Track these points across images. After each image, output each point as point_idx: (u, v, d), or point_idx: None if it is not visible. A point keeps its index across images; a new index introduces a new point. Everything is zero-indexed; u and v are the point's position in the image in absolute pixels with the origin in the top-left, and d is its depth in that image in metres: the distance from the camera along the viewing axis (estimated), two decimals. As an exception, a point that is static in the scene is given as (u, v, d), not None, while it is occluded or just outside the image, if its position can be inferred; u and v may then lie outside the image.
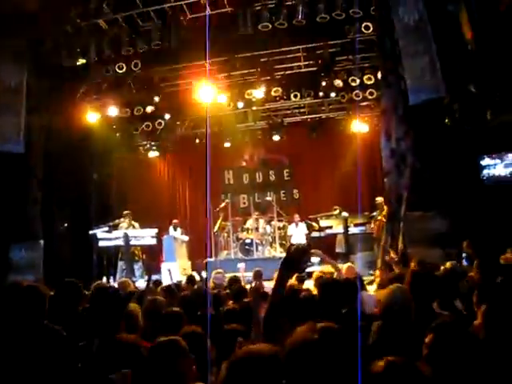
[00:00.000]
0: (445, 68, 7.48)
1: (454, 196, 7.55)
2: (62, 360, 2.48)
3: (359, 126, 13.87)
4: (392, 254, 6.88)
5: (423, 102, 7.68)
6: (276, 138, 14.62)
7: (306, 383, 1.59)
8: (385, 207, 10.12)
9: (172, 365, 2.27)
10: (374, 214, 10.99)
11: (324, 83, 12.20)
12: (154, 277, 9.78)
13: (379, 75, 10.83)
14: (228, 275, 7.42)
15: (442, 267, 5.67)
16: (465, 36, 7.51)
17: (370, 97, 12.15)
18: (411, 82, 7.83)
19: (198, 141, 15.14)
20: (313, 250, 5.74)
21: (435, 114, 7.77)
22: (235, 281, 6.04)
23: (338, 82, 11.91)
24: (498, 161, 8.44)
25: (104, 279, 9.96)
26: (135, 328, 3.12)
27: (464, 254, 7.08)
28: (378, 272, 6.70)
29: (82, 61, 10.89)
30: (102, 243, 10.58)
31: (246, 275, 8.20)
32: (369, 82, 11.65)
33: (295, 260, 2.49)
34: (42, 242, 10.13)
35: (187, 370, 2.30)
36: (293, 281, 4.91)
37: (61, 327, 2.96)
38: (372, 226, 10.82)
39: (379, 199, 10.56)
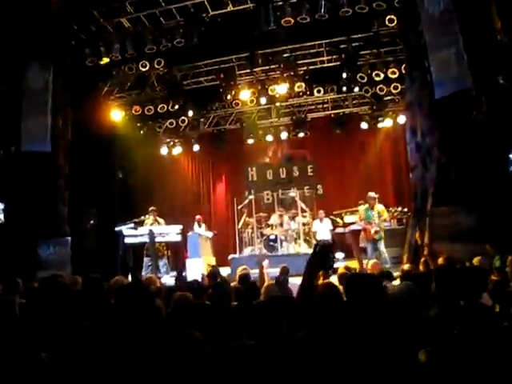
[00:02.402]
0: (472, 59, 7.30)
1: (481, 191, 7.38)
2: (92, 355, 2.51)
3: (384, 121, 13.71)
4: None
5: (449, 95, 7.53)
6: (300, 133, 14.52)
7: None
8: (376, 206, 9.66)
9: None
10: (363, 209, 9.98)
11: (347, 78, 12.06)
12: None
13: (404, 69, 10.68)
14: (252, 271, 7.43)
15: (468, 263, 5.58)
16: (494, 26, 7.31)
17: (394, 91, 11.99)
18: (437, 75, 7.68)
19: (221, 137, 15.17)
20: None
21: (462, 107, 7.59)
22: (247, 278, 5.98)
23: (362, 77, 11.76)
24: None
25: (129, 276, 10.07)
26: (159, 323, 3.15)
27: None
28: (405, 266, 6.58)
29: (105, 59, 11.02)
30: (127, 240, 10.67)
31: (269, 271, 8.17)
32: (393, 76, 11.49)
33: (321, 257, 2.48)
34: (69, 239, 10.31)
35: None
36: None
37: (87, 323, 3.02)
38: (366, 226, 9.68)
39: (372, 195, 9.75)
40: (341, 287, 5.15)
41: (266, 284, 5.18)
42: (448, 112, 7.72)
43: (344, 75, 11.96)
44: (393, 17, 9.69)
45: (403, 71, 10.81)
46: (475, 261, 5.59)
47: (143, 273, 10.68)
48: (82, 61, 10.94)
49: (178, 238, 10.69)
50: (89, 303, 3.70)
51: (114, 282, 4.30)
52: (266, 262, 8.60)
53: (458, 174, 7.74)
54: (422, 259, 6.29)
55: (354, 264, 8.32)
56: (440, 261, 5.95)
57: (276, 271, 7.56)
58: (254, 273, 7.49)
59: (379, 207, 9.66)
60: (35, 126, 10.02)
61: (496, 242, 6.60)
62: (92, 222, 11.72)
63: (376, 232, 9.37)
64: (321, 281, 4.98)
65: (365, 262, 8.63)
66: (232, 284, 6.09)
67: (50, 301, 2.94)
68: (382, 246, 9.42)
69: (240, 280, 5.98)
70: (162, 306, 3.22)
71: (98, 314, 3.40)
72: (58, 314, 2.94)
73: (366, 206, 9.84)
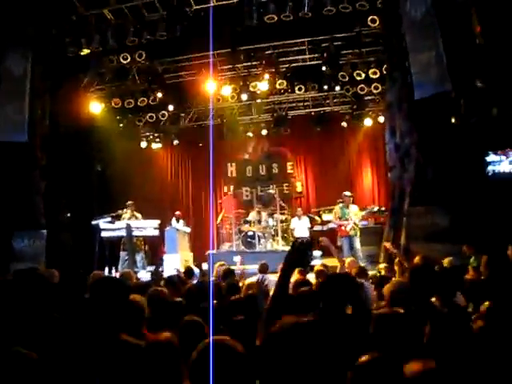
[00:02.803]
0: (451, 62, 7.43)
1: (458, 192, 7.52)
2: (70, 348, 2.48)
3: (364, 121, 13.84)
4: (388, 245, 6.76)
5: (429, 96, 7.64)
6: (279, 130, 14.55)
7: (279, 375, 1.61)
8: (350, 206, 9.74)
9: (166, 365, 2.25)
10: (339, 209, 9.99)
11: (329, 76, 12.12)
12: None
13: (384, 69, 10.79)
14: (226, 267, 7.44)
15: (443, 262, 5.69)
16: (473, 30, 7.44)
17: (374, 91, 12.10)
18: (417, 77, 7.80)
19: (201, 133, 15.12)
20: (321, 238, 5.74)
21: (440, 109, 7.73)
22: (230, 273, 6.00)
23: (343, 76, 11.84)
24: (503, 157, 8.41)
25: (106, 270, 9.97)
26: (141, 319, 3.13)
27: None
28: (381, 265, 6.67)
29: (86, 50, 10.85)
30: (104, 234, 10.56)
31: (241, 267, 8.18)
32: (374, 76, 11.60)
33: (299, 255, 2.49)
34: (44, 231, 10.15)
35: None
36: (295, 274, 4.89)
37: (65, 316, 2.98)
38: (339, 223, 9.74)
39: (348, 194, 9.83)
40: (315, 281, 5.22)
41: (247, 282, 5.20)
42: (427, 113, 7.85)
43: (325, 74, 12.03)
44: (375, 17, 9.77)
45: (384, 72, 10.93)
46: (446, 261, 5.68)
47: (119, 267, 10.59)
48: (63, 51, 10.75)
49: (156, 233, 10.63)
50: (65, 297, 3.65)
51: (93, 277, 4.25)
52: (238, 258, 8.61)
53: (436, 174, 7.88)
54: (397, 259, 6.37)
55: (331, 262, 8.38)
56: (416, 260, 6.03)
57: (254, 267, 7.59)
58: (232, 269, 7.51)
59: (353, 208, 9.73)
60: (12, 115, 9.83)
61: (472, 243, 6.73)
62: (68, 214, 11.56)
63: (352, 228, 9.48)
64: (297, 277, 5.02)
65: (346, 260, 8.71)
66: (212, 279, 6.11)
67: (27, 293, 2.90)
68: (357, 243, 9.51)
69: (223, 276, 5.98)
70: (143, 301, 3.20)
71: (74, 308, 3.36)
72: (33, 306, 2.90)
73: (342, 204, 9.95)
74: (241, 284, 5.34)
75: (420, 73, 7.74)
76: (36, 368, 2.20)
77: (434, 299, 3.57)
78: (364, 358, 1.68)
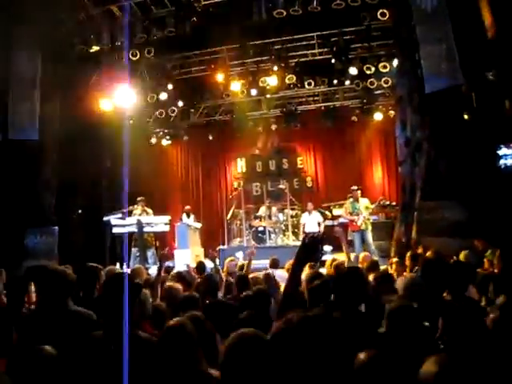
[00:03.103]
0: (463, 55, 7.35)
1: (470, 186, 7.45)
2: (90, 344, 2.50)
3: (374, 115, 13.76)
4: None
5: (440, 90, 7.57)
6: (290, 126, 14.50)
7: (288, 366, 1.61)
8: (360, 199, 9.83)
9: (184, 349, 2.26)
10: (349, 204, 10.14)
11: (338, 71, 12.06)
12: (167, 263, 9.90)
13: (395, 63, 10.70)
14: (240, 263, 7.45)
15: (455, 258, 5.64)
16: (484, 22, 7.35)
17: (384, 85, 12.01)
18: (428, 70, 7.72)
19: (210, 128, 15.13)
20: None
21: (452, 103, 7.65)
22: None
23: (353, 70, 11.76)
24: (515, 151, 8.32)
25: (117, 266, 10.03)
26: (143, 314, 3.16)
27: None
28: (393, 260, 6.64)
29: (95, 48, 10.89)
30: (115, 230, 10.61)
31: (256, 263, 8.17)
32: (384, 70, 11.49)
33: (310, 250, 2.50)
34: (56, 228, 10.24)
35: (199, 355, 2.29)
36: (306, 269, 4.88)
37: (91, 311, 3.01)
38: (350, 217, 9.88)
39: (354, 187, 9.98)
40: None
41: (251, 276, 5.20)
42: (438, 107, 7.77)
43: (335, 68, 11.96)
44: (385, 11, 9.67)
45: (394, 65, 10.84)
46: (462, 255, 5.64)
47: (131, 263, 10.64)
48: (72, 49, 10.79)
49: (166, 229, 10.65)
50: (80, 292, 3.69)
51: (107, 273, 4.28)
52: (240, 254, 8.57)
53: (447, 168, 7.82)
54: (409, 253, 6.33)
55: (342, 257, 8.36)
56: (428, 255, 6.01)
57: (265, 262, 7.60)
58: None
59: (363, 201, 9.77)
60: (23, 113, 9.90)
61: (484, 237, 6.68)
62: (80, 211, 11.64)
63: (363, 222, 9.50)
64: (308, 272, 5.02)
65: (352, 255, 8.69)
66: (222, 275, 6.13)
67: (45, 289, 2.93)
68: (368, 237, 9.51)
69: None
70: (148, 295, 3.23)
71: (87, 304, 3.39)
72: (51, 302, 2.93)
73: (351, 198, 9.96)
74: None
75: (431, 66, 7.66)
76: (55, 364, 2.23)
77: (445, 294, 3.55)
78: (362, 356, 1.67)
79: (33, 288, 3.98)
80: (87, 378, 2.08)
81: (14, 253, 9.11)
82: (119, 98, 12.53)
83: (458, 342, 2.14)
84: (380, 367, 1.63)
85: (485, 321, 2.61)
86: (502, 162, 8.35)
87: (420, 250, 5.85)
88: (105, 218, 10.68)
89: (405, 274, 5.31)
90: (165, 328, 2.37)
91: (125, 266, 10.52)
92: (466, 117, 7.61)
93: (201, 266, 7.11)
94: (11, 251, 9.11)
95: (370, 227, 9.61)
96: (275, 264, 7.07)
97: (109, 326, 2.55)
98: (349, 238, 11.11)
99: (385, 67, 11.39)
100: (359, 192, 9.92)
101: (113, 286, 2.64)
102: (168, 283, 4.39)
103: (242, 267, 6.39)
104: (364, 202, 9.75)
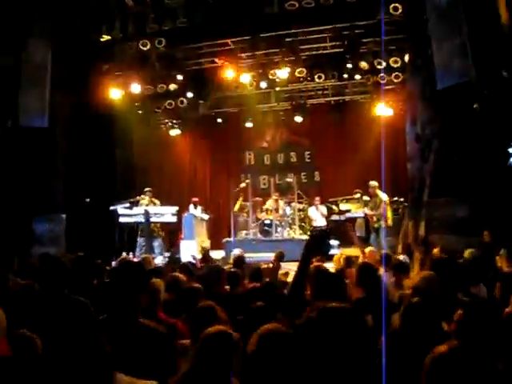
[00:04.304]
0: (476, 52, 7.26)
1: (480, 183, 7.40)
2: (85, 329, 2.50)
3: (383, 110, 13.66)
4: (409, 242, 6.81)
5: (452, 86, 7.49)
6: (298, 119, 14.45)
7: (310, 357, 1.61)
8: (379, 194, 9.93)
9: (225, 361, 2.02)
10: (366, 198, 10.73)
11: (349, 65, 11.97)
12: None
13: (406, 58, 10.62)
14: (247, 255, 7.48)
15: (464, 254, 5.61)
16: (500, 18, 7.26)
17: (395, 80, 11.92)
18: (440, 66, 7.63)
19: (219, 120, 15.11)
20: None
21: (464, 99, 7.57)
22: (242, 261, 6.00)
23: (364, 65, 11.68)
24: (526, 149, 8.23)
25: (124, 255, 10.08)
26: (157, 302, 3.17)
27: None
28: (400, 257, 6.62)
29: (106, 37, 10.89)
30: (122, 219, 10.68)
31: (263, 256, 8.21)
32: (395, 65, 11.40)
33: (318, 243, 2.50)
34: (64, 215, 10.30)
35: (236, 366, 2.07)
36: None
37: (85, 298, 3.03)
38: (368, 212, 10.31)
39: (372, 184, 10.22)
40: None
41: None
42: (449, 103, 7.70)
43: (346, 62, 11.88)
44: (397, 5, 9.58)
45: (405, 61, 10.76)
46: (467, 253, 5.60)
47: (137, 253, 10.71)
48: (83, 37, 10.80)
49: (174, 219, 10.70)
50: (83, 280, 3.71)
51: (119, 261, 4.30)
52: (237, 251, 8.52)
53: (457, 165, 7.76)
54: (418, 251, 6.33)
55: (348, 252, 8.36)
56: (435, 252, 5.99)
57: (270, 256, 7.61)
58: (248, 257, 7.54)
59: (381, 195, 9.91)
60: (33, 100, 9.93)
61: (493, 234, 6.65)
62: (88, 199, 11.69)
63: (377, 219, 9.65)
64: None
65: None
66: (226, 267, 6.14)
67: (48, 276, 2.95)
68: (381, 234, 9.61)
69: (235, 263, 6.01)
70: (161, 284, 3.24)
71: (93, 292, 3.41)
72: (56, 290, 2.95)
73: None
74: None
75: (443, 61, 7.57)
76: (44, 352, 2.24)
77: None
78: (442, 348, 1.64)
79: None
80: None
81: (22, 239, 9.19)
82: (129, 88, 12.55)
83: (476, 335, 2.12)
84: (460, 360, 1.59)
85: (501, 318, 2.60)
86: (512, 160, 8.29)
87: (436, 250, 5.81)
88: (112, 208, 10.74)
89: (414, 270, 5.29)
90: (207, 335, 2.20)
91: (131, 256, 10.61)
92: (476, 112, 7.53)
93: (206, 257, 7.14)
94: (20, 238, 9.19)
95: (383, 224, 9.69)
96: (281, 257, 7.08)
97: (113, 312, 2.56)
98: (358, 234, 11.20)
99: (396, 62, 11.30)
100: (375, 189, 10.06)
101: (122, 273, 2.65)
102: (172, 273, 4.40)
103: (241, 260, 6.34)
104: (383, 198, 9.88)
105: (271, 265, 6.70)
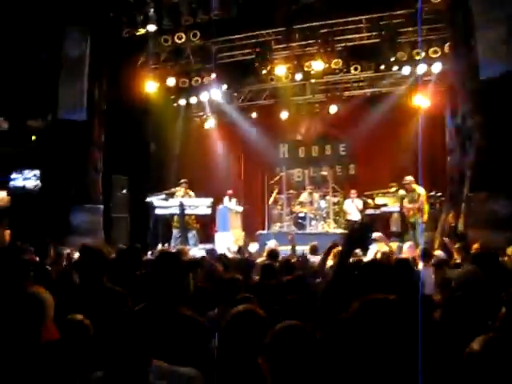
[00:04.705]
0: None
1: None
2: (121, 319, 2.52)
3: (421, 102, 13.32)
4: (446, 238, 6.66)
5: (496, 76, 7.21)
6: (333, 109, 14.25)
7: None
8: (416, 188, 9.74)
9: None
10: (402, 192, 10.57)
11: (386, 56, 11.72)
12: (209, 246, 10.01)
13: (446, 48, 10.32)
14: (281, 248, 7.43)
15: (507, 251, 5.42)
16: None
17: (435, 71, 11.60)
18: (484, 54, 7.36)
19: (254, 113, 15.07)
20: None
21: (508, 90, 7.28)
22: (275, 254, 5.97)
23: (402, 55, 11.42)
24: None
25: (159, 246, 10.20)
26: (187, 294, 3.18)
27: None
28: (436, 252, 6.46)
29: (141, 30, 10.99)
30: (158, 211, 10.80)
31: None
32: (434, 56, 11.09)
33: (360, 236, 2.44)
34: (101, 206, 10.49)
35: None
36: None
37: (122, 289, 3.06)
38: (407, 205, 10.15)
39: (408, 179, 10.08)
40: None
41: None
42: (493, 94, 7.42)
43: (383, 53, 11.63)
44: (438, -7, 9.31)
45: (446, 50, 10.45)
46: (509, 250, 5.41)
47: (172, 244, 10.81)
48: (119, 31, 10.93)
49: (208, 211, 10.74)
50: (125, 271, 3.76)
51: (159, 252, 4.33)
52: (273, 242, 8.49)
53: (498, 159, 7.49)
54: (457, 245, 6.14)
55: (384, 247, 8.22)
56: (475, 247, 5.81)
57: (304, 248, 7.56)
58: (283, 250, 7.50)
59: (419, 189, 9.74)
60: (72, 94, 10.14)
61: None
62: (124, 191, 11.88)
63: (414, 213, 9.51)
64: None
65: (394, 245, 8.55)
66: (260, 260, 6.13)
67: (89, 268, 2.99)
68: (419, 229, 9.46)
69: (269, 255, 5.98)
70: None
71: (134, 283, 3.44)
72: (95, 280, 2.99)
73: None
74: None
75: (488, 50, 7.30)
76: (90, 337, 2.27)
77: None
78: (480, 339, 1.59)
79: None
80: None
81: (60, 229, 9.41)
82: (164, 81, 12.66)
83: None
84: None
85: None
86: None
87: (476, 246, 5.64)
88: (148, 199, 10.87)
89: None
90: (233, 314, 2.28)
91: (166, 247, 10.72)
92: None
93: (240, 250, 7.15)
94: (58, 227, 9.41)
95: (419, 219, 9.54)
96: (314, 250, 7.03)
97: (153, 302, 2.58)
98: (393, 229, 11.05)
99: (435, 52, 11.00)
100: (411, 185, 9.94)
101: (164, 264, 2.66)
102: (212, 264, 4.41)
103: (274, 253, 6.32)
104: (421, 192, 9.72)
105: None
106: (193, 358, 2.22)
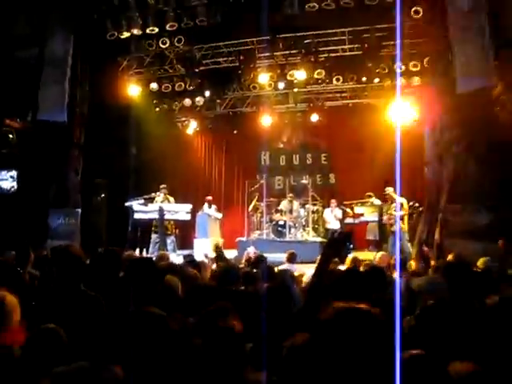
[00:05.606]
0: (498, 55, 7.17)
1: (498, 190, 7.30)
2: (98, 324, 2.51)
3: (401, 114, 13.51)
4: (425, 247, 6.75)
5: (472, 90, 7.40)
6: (315, 119, 14.36)
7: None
8: (398, 198, 9.91)
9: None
10: (378, 202, 11.03)
11: (368, 68, 11.91)
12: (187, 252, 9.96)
13: (425, 62, 10.53)
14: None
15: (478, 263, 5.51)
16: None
17: (414, 84, 11.81)
18: (461, 70, 7.56)
19: (236, 120, 15.11)
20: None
21: (484, 104, 7.46)
22: (259, 261, 5.96)
23: (383, 68, 11.61)
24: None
25: (137, 251, 10.13)
26: (175, 300, 3.16)
27: None
28: (412, 262, 6.56)
29: (126, 34, 10.96)
30: (137, 215, 10.71)
31: (275, 256, 8.19)
32: (414, 69, 11.32)
33: (338, 246, 2.48)
34: (79, 210, 10.38)
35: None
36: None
37: (98, 294, 3.03)
38: (388, 215, 10.38)
39: (389, 189, 10.20)
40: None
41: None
42: (470, 108, 7.59)
43: (365, 65, 11.81)
44: (418, 8, 9.51)
45: (425, 65, 10.66)
46: (480, 262, 5.47)
47: (150, 249, 10.74)
48: (103, 34, 10.88)
49: (188, 217, 10.71)
50: (99, 275, 3.71)
51: (125, 257, 4.31)
52: (252, 249, 8.53)
53: (476, 172, 7.65)
54: (431, 256, 6.25)
55: (361, 255, 8.30)
56: (449, 258, 5.90)
57: (282, 256, 7.58)
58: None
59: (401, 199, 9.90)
60: (52, 95, 10.05)
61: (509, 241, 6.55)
62: (103, 195, 11.78)
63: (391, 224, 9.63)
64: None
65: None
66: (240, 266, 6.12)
67: (62, 271, 2.96)
68: (400, 238, 9.59)
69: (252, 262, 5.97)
70: (177, 282, 3.22)
71: (108, 287, 3.41)
72: (69, 283, 2.96)
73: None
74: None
75: (464, 65, 7.49)
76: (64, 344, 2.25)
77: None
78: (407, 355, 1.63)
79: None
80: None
81: (38, 233, 9.27)
82: (147, 85, 12.63)
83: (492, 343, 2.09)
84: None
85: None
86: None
87: (450, 256, 5.72)
88: (127, 204, 10.79)
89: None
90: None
91: (144, 252, 10.66)
92: (497, 109, 7.40)
93: (219, 256, 7.11)
94: (35, 231, 9.27)
95: (396, 228, 9.68)
96: (292, 258, 7.04)
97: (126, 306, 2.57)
98: (369, 238, 11.15)
99: (415, 66, 11.22)
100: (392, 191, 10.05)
101: (136, 270, 2.65)
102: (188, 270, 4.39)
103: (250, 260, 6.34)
104: (403, 201, 9.86)
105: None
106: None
